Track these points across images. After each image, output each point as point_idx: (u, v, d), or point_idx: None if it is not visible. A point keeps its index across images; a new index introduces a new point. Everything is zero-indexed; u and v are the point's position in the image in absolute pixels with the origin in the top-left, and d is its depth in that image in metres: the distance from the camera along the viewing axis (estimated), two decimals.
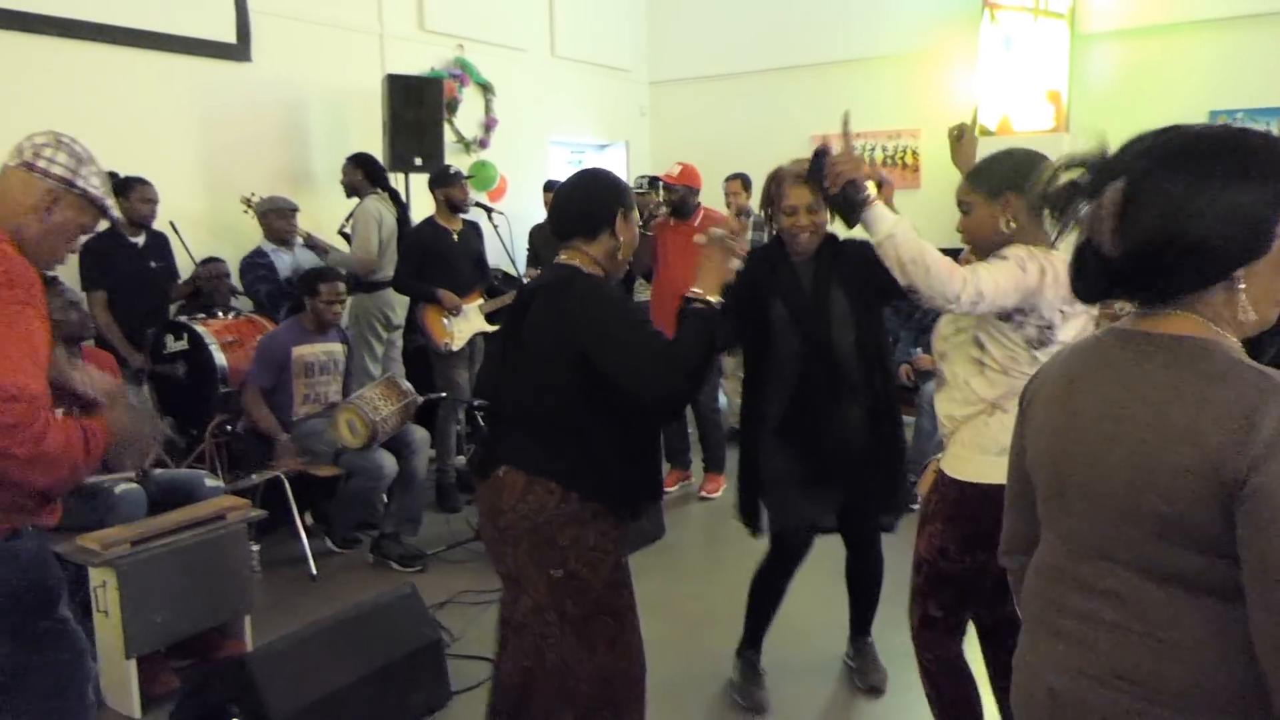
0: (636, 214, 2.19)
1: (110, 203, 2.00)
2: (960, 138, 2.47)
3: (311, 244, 5.08)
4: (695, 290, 1.99)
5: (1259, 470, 1.00)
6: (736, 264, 2.03)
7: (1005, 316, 2.06)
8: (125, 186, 4.40)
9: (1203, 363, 1.08)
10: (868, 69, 7.25)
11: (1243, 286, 1.08)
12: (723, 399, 5.98)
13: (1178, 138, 1.11)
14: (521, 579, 2.05)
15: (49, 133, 1.96)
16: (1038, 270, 1.99)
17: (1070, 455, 1.19)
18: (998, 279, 1.98)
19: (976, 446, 2.13)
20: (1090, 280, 1.17)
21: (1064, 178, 1.17)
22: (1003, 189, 2.06)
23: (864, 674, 3.06)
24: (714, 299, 1.98)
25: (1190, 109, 5.97)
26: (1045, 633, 1.22)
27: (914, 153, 7.22)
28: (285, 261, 4.95)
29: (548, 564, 1.99)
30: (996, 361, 2.10)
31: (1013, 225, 2.07)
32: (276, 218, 4.97)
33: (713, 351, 2.01)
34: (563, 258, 2.13)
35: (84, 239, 2.07)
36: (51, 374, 1.81)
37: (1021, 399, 1.35)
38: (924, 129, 7.08)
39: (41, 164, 1.91)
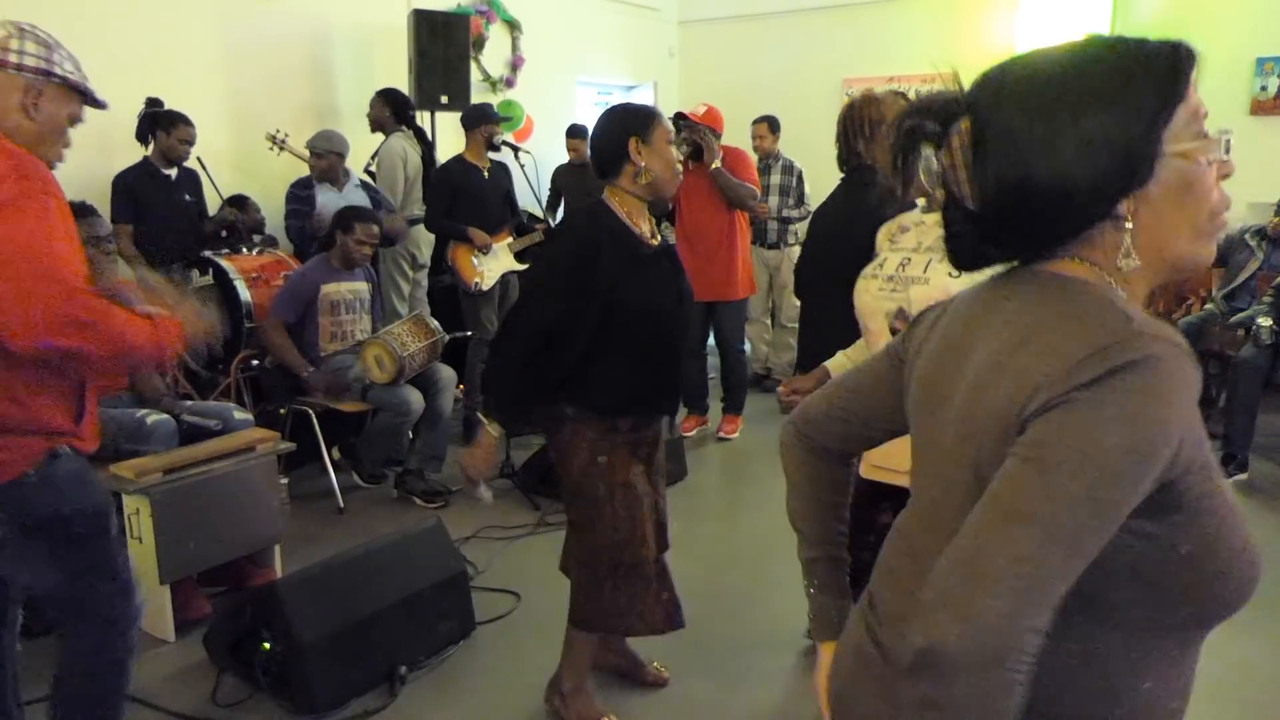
0: (663, 132, 2.27)
1: (91, 87, 1.91)
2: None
3: (375, 197, 4.92)
4: None
5: (1047, 414, 0.83)
6: None
7: None
8: (168, 121, 4.37)
9: (1062, 301, 0.91)
10: (901, 9, 7.06)
11: (1129, 225, 0.90)
12: (747, 343, 5.96)
13: (1019, 64, 0.94)
14: None
15: (5, 23, 1.84)
16: None
17: (928, 407, 1.05)
18: None
19: None
20: (965, 243, 0.98)
21: (909, 123, 0.98)
22: None
23: None
24: None
25: (1237, 56, 5.80)
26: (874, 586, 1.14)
27: None
28: (332, 199, 4.76)
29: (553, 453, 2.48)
30: None
31: None
32: (335, 157, 4.84)
33: None
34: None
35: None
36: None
37: (919, 321, 1.16)
38: (961, 73, 6.89)
39: (13, 58, 1.81)
